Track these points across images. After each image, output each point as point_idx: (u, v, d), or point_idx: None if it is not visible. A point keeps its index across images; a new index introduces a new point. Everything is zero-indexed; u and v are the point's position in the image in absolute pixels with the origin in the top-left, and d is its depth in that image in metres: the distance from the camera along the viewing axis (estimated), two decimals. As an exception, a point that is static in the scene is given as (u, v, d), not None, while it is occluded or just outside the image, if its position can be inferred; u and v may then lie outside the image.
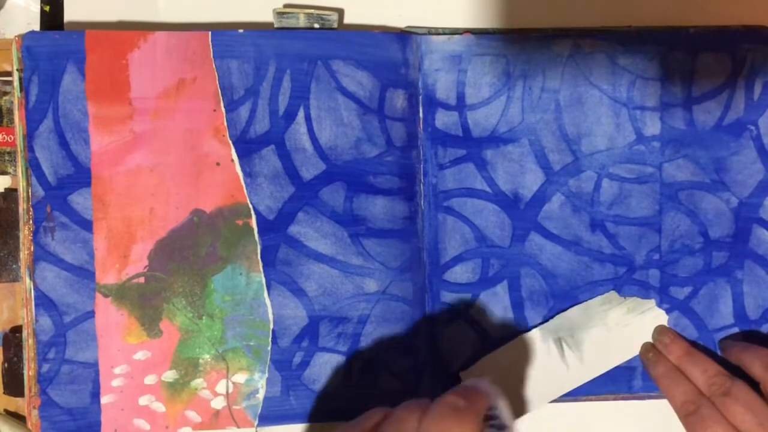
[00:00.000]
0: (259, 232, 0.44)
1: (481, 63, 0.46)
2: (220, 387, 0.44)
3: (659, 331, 0.46)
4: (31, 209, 0.43)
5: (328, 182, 0.44)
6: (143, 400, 0.43)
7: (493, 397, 0.35)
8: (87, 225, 0.43)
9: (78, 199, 0.43)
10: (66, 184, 0.43)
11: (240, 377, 0.44)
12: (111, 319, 0.43)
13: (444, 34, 0.46)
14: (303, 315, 0.44)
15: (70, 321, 0.43)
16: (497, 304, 0.46)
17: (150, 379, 0.43)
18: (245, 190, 0.44)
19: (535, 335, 0.46)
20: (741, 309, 0.47)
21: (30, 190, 0.43)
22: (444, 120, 0.46)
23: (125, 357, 0.43)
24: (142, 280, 0.43)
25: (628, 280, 0.46)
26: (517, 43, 0.46)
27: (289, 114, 0.44)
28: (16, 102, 0.43)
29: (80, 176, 0.43)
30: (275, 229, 0.44)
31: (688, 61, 0.46)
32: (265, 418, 0.44)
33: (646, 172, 0.46)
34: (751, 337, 0.46)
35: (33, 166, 0.43)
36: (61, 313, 0.43)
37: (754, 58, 0.46)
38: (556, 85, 0.46)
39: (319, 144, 0.44)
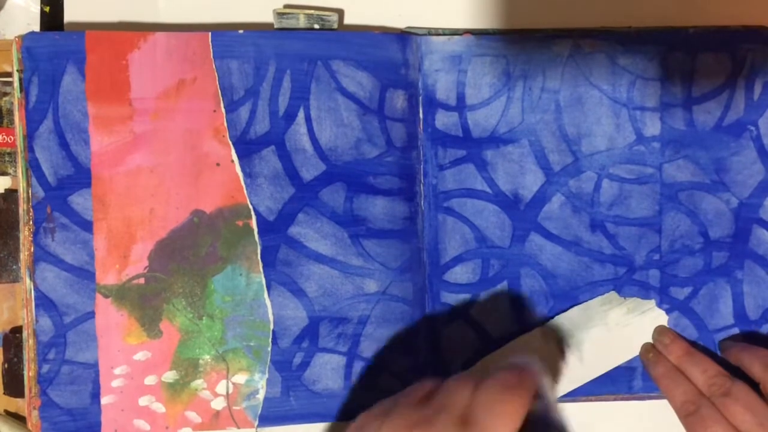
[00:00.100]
0: (259, 232, 0.44)
1: (481, 63, 0.46)
2: (221, 387, 0.44)
3: (659, 331, 0.46)
4: (31, 210, 0.43)
5: (328, 183, 0.44)
6: (143, 401, 0.43)
7: (540, 376, 0.36)
8: (87, 225, 0.43)
9: (78, 200, 0.43)
10: (66, 185, 0.43)
11: (240, 378, 0.44)
12: (111, 320, 0.43)
13: (444, 34, 0.46)
14: (303, 315, 0.44)
15: (70, 321, 0.43)
16: (497, 305, 0.46)
17: (150, 380, 0.43)
18: (245, 191, 0.44)
19: (535, 335, 0.46)
20: (741, 309, 0.47)
21: (30, 191, 0.43)
22: (444, 120, 0.46)
23: (125, 357, 0.43)
24: (142, 280, 0.43)
25: (628, 281, 0.46)
26: (517, 44, 0.46)
27: (289, 114, 0.44)
28: (16, 102, 0.43)
29: (80, 177, 0.43)
30: (275, 230, 0.44)
31: (688, 61, 0.46)
32: (265, 419, 0.44)
33: (646, 172, 0.46)
34: (751, 338, 0.46)
35: (33, 167, 0.43)
36: (61, 314, 0.43)
37: (754, 58, 0.46)
38: (556, 85, 0.46)
39: (319, 145, 0.44)
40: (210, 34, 0.44)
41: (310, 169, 0.44)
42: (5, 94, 0.45)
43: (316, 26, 0.45)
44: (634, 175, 0.46)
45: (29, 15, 0.47)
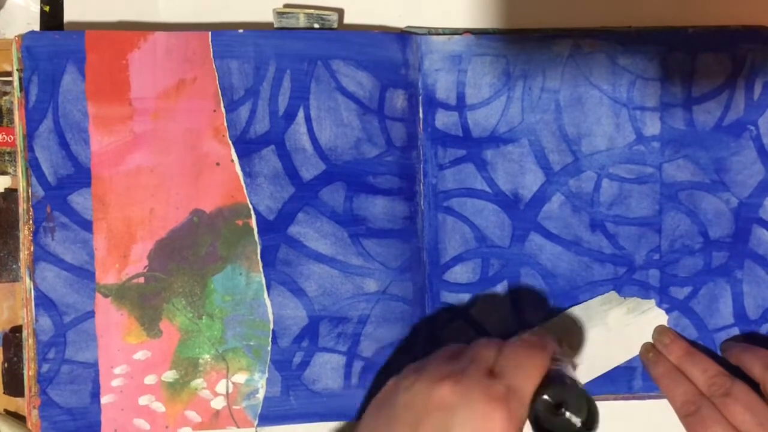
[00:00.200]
0: (259, 232, 0.44)
1: (481, 63, 0.46)
2: (220, 387, 0.44)
3: (659, 331, 0.46)
4: (31, 209, 0.43)
5: (328, 182, 0.44)
6: (143, 400, 0.43)
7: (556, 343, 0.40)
8: (87, 225, 0.43)
9: (78, 199, 0.43)
10: (66, 184, 0.43)
11: (240, 377, 0.44)
12: (111, 319, 0.43)
13: (444, 34, 0.46)
14: (303, 315, 0.44)
15: (70, 321, 0.43)
16: (497, 304, 0.46)
17: (150, 379, 0.43)
18: (245, 191, 0.44)
19: (535, 335, 0.46)
20: (741, 309, 0.47)
21: (30, 190, 0.43)
22: (444, 120, 0.46)
23: (125, 357, 0.43)
24: (141, 280, 0.43)
25: (628, 280, 0.46)
26: (517, 43, 0.46)
27: (289, 114, 0.44)
28: (16, 102, 0.43)
29: (80, 176, 0.43)
30: (275, 230, 0.44)
31: (688, 61, 0.46)
32: (265, 418, 0.44)
33: (646, 172, 0.46)
34: (751, 338, 0.46)
35: (33, 166, 0.43)
36: (61, 313, 0.43)
37: (754, 58, 0.46)
38: (556, 85, 0.46)
39: (319, 144, 0.44)
40: (210, 33, 0.44)
41: (310, 168, 0.44)
42: (5, 93, 0.45)
43: (316, 26, 0.45)
44: (634, 175, 0.46)
45: (29, 14, 0.47)
